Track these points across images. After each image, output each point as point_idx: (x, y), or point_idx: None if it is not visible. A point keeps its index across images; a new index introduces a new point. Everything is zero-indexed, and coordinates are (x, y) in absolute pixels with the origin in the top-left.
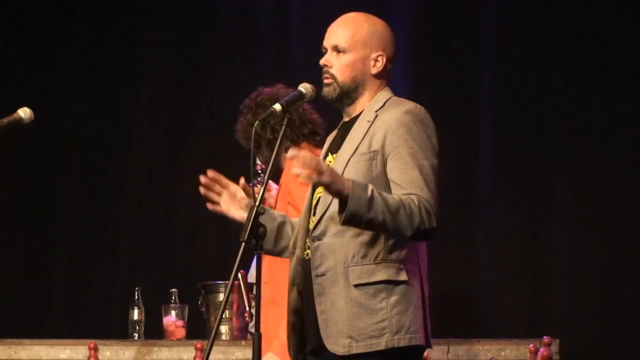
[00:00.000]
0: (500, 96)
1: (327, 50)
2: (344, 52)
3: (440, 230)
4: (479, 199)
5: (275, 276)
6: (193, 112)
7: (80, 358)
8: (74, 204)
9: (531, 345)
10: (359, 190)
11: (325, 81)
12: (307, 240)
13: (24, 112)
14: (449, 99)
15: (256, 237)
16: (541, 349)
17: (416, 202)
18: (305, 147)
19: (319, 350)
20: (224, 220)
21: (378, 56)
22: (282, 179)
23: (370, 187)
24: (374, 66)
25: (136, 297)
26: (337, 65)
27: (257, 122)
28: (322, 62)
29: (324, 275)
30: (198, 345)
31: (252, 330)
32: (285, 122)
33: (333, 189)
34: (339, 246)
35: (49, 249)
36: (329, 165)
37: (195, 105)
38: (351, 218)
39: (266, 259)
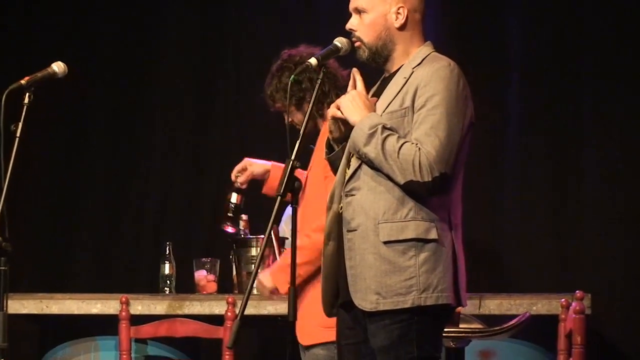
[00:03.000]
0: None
1: (351, 14)
2: (364, 12)
3: (469, 183)
4: (505, 151)
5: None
6: (218, 69)
7: (111, 312)
8: (101, 157)
9: (563, 299)
10: (366, 123)
11: (355, 45)
12: (343, 194)
13: (58, 67)
14: (479, 50)
15: (291, 191)
16: (573, 303)
17: (413, 153)
18: None
19: (350, 305)
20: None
21: (399, 9)
22: (318, 144)
23: (380, 124)
24: (396, 20)
25: (167, 251)
26: (361, 27)
27: (292, 76)
28: (347, 27)
29: (355, 230)
30: (230, 300)
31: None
32: (321, 76)
33: (351, 121)
34: (371, 202)
35: (76, 203)
36: (353, 98)
37: (220, 61)
38: (353, 149)
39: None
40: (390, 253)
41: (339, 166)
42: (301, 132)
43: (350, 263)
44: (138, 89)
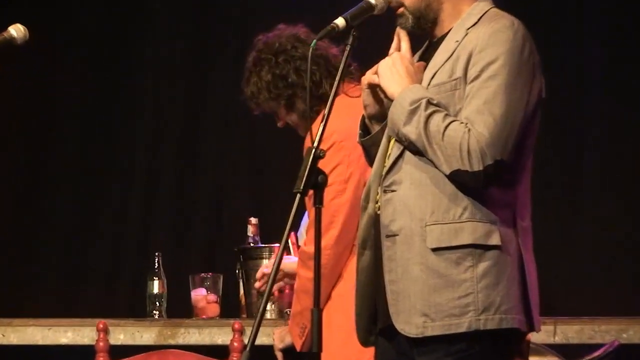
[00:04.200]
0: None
1: None
2: None
3: (538, 179)
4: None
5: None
6: (218, 43)
7: (86, 342)
8: (72, 144)
9: None
10: (407, 97)
11: (398, 13)
12: (379, 191)
13: (17, 30)
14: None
15: (314, 187)
16: None
17: (460, 135)
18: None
19: (392, 330)
20: (260, 167)
21: None
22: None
23: (425, 98)
24: None
25: (156, 265)
26: None
27: (313, 42)
28: None
29: (395, 235)
30: (236, 326)
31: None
32: (350, 41)
33: (389, 93)
34: (416, 199)
35: (38, 202)
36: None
37: (219, 33)
38: (392, 130)
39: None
40: (440, 263)
41: (375, 154)
42: (326, 112)
43: (390, 277)
44: (121, 65)
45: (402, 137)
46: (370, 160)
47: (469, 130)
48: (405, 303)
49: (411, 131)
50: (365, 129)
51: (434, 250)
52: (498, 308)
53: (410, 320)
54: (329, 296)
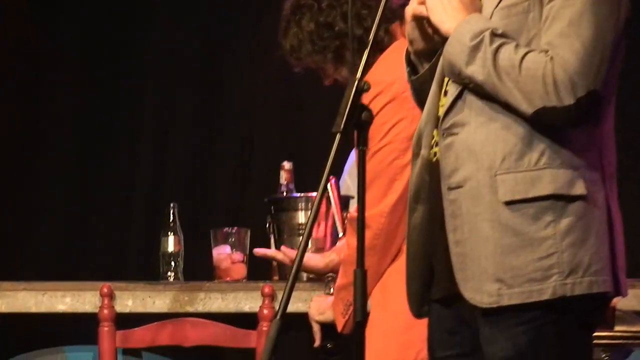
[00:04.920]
0: None
1: None
2: None
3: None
4: None
5: None
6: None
7: (87, 310)
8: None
9: None
10: (466, 31)
11: None
12: (435, 134)
13: None
14: None
15: (358, 126)
16: None
17: (542, 65)
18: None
19: (453, 299)
20: (297, 101)
21: None
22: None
23: (488, 29)
24: None
25: (171, 218)
26: None
27: None
28: None
29: (459, 187)
30: (266, 290)
31: None
32: None
33: (443, 30)
34: (483, 143)
35: (35, 147)
36: None
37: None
38: (450, 71)
39: None
40: (516, 219)
41: (427, 94)
42: (370, 38)
43: (455, 237)
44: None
45: (464, 79)
46: (421, 101)
47: (552, 58)
48: (474, 267)
49: (477, 71)
50: (412, 66)
51: (508, 203)
52: (587, 269)
53: (482, 287)
54: (384, 272)
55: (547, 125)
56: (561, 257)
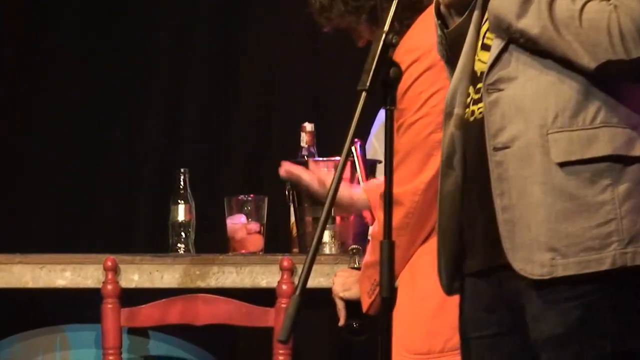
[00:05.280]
0: None
1: None
2: None
3: None
4: None
5: None
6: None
7: (89, 285)
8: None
9: None
10: None
11: None
12: (471, 91)
13: None
14: None
15: (385, 84)
16: None
17: (606, 15)
18: None
19: (491, 271)
20: (321, 58)
21: None
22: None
23: None
24: None
25: (181, 184)
26: None
27: None
28: None
29: (506, 147)
30: (285, 264)
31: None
32: None
33: None
34: (533, 99)
35: (30, 106)
36: None
37: None
38: (497, 26)
39: None
40: (570, 182)
41: (461, 48)
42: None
43: (502, 201)
44: None
45: (515, 34)
46: (449, 60)
47: (616, 7)
48: (524, 235)
49: (531, 24)
50: (442, 19)
51: (562, 165)
52: None
53: (533, 257)
54: (414, 253)
55: (608, 79)
56: (620, 223)
